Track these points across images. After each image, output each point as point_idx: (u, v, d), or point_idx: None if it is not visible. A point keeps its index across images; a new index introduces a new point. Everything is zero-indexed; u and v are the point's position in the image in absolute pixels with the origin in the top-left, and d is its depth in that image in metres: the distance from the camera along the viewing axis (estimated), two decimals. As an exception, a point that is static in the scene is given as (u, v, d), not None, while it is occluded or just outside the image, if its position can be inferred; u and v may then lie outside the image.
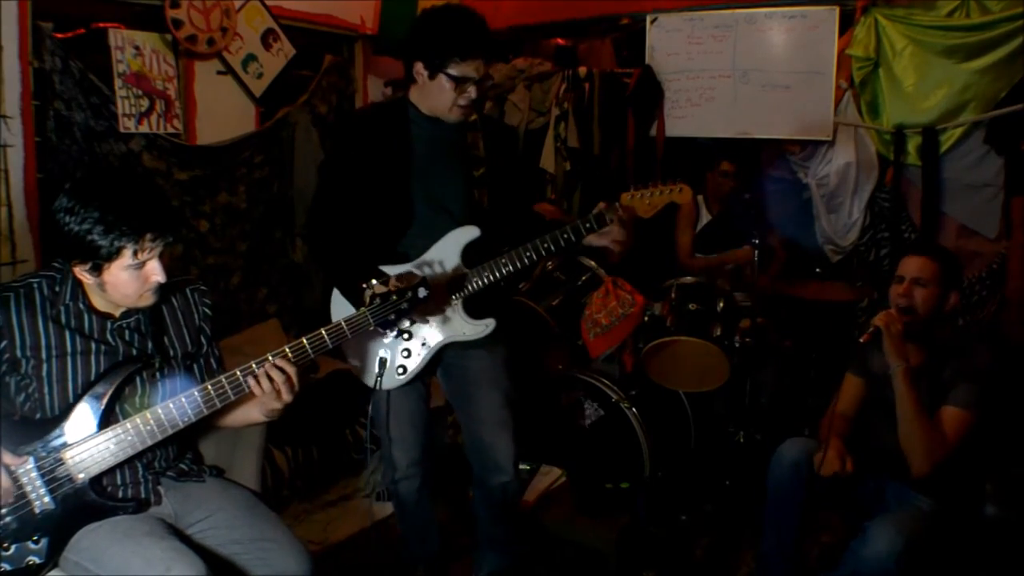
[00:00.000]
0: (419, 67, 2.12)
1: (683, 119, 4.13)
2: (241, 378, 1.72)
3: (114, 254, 1.61)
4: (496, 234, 2.23)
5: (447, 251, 2.21)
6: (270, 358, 1.72)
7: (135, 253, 1.62)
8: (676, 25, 4.07)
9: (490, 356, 2.33)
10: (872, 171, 3.79)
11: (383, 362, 2.17)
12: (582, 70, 4.32)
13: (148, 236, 1.62)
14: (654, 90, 4.12)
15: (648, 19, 4.12)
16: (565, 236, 2.17)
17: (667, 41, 4.09)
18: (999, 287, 3.62)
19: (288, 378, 1.72)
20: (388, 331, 2.02)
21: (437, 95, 2.13)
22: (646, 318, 3.35)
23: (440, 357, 2.31)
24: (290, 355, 1.74)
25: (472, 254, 2.21)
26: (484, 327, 2.24)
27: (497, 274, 2.19)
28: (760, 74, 3.93)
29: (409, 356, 2.23)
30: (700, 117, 4.08)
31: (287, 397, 1.74)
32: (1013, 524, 2.43)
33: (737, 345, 3.29)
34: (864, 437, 2.31)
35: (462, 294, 2.20)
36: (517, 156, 2.54)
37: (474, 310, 2.24)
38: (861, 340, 2.22)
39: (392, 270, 2.11)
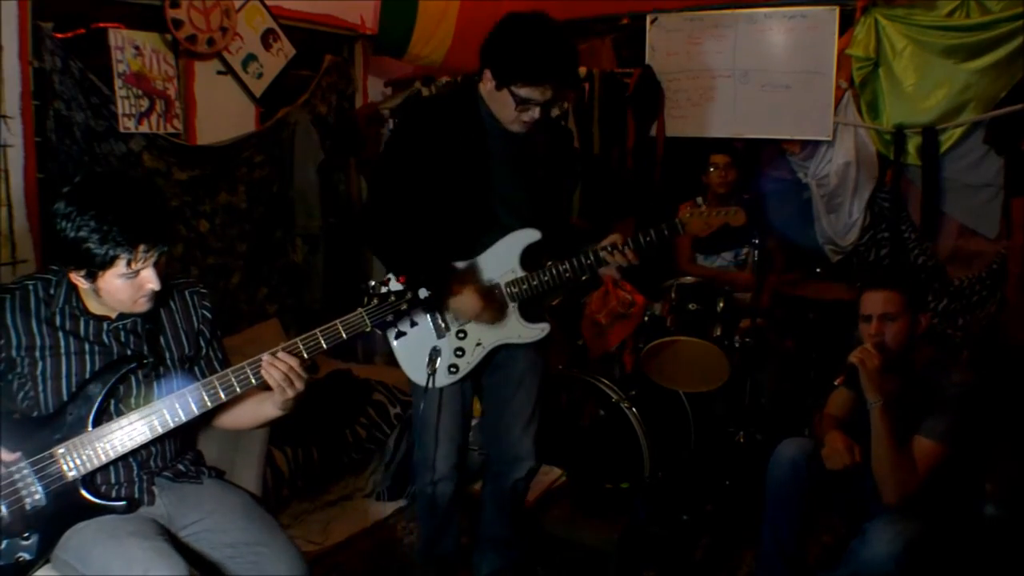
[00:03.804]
0: (488, 74, 2.06)
1: (683, 119, 4.12)
2: (250, 372, 1.72)
3: (108, 263, 1.61)
4: (555, 238, 2.22)
5: (507, 252, 2.19)
6: (266, 356, 1.71)
7: (128, 263, 1.61)
8: (676, 25, 4.07)
9: (536, 359, 2.34)
10: (872, 171, 3.79)
11: (434, 360, 2.13)
12: (582, 70, 4.32)
13: (142, 247, 1.61)
14: (654, 90, 4.12)
15: (648, 19, 4.12)
16: (648, 238, 2.17)
17: (667, 41, 4.09)
18: (999, 287, 3.62)
19: (291, 367, 1.71)
20: (386, 332, 2.00)
21: (501, 105, 2.08)
22: (646, 318, 3.35)
23: (490, 358, 2.29)
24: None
25: (531, 257, 2.20)
26: (539, 331, 2.24)
27: (556, 278, 2.17)
28: (760, 74, 3.93)
29: (463, 355, 2.22)
30: (700, 117, 4.08)
31: (299, 385, 1.73)
32: (1013, 524, 2.43)
33: (737, 345, 3.29)
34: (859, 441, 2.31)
35: (520, 296, 2.19)
36: (573, 160, 2.50)
37: (530, 313, 2.23)
38: (836, 383, 2.20)
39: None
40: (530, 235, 2.18)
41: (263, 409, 1.85)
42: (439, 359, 2.14)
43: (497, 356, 2.32)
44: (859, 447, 2.23)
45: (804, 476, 2.32)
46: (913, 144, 3.64)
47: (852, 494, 2.34)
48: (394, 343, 2.21)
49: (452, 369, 2.21)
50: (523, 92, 2.01)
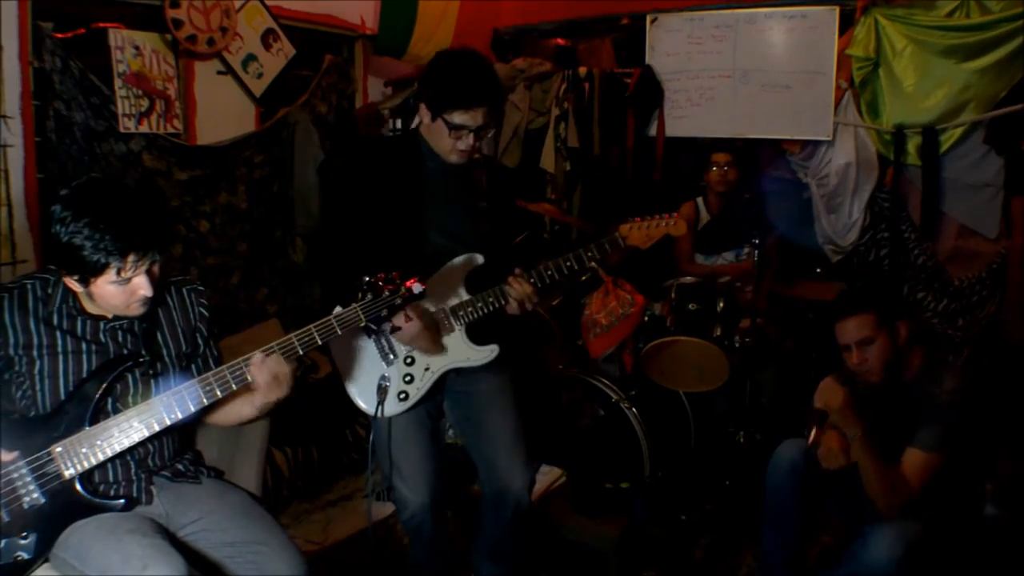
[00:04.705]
0: (423, 108, 2.17)
1: (683, 119, 4.12)
2: (245, 368, 1.73)
3: (99, 271, 1.62)
4: (498, 263, 2.26)
5: (451, 277, 2.21)
6: (257, 355, 1.73)
7: (118, 271, 1.63)
8: (676, 25, 4.07)
9: (497, 380, 2.33)
10: (872, 171, 3.79)
11: (383, 388, 2.13)
12: (582, 70, 4.32)
13: (132, 257, 1.62)
14: (654, 90, 4.12)
15: (648, 19, 4.12)
16: (568, 264, 2.25)
17: (667, 41, 4.09)
18: (999, 287, 3.62)
19: (277, 374, 1.73)
20: (379, 327, 2.00)
21: (437, 137, 2.17)
22: (646, 318, 3.35)
23: (443, 385, 2.30)
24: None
25: (475, 281, 2.23)
26: (488, 353, 2.25)
27: (500, 301, 2.22)
28: (760, 74, 3.93)
29: (412, 381, 2.21)
30: (700, 117, 4.08)
31: (285, 389, 1.76)
32: (1013, 524, 2.43)
33: (737, 345, 3.29)
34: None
35: (465, 319, 2.22)
36: (513, 197, 2.61)
37: (477, 336, 2.25)
38: (809, 443, 2.17)
39: None
40: (473, 259, 2.23)
41: (242, 409, 1.87)
42: (388, 387, 2.13)
43: (452, 388, 2.32)
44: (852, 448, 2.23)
45: (804, 477, 2.32)
46: (913, 144, 3.64)
47: (851, 495, 2.34)
48: (342, 372, 2.23)
49: (402, 396, 2.20)
50: (455, 118, 2.10)
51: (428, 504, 2.28)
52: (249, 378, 1.74)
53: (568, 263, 2.25)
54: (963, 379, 2.19)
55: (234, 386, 1.74)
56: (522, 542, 2.54)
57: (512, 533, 2.42)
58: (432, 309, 2.20)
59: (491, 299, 2.21)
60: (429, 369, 2.22)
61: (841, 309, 2.24)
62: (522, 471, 2.32)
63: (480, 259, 2.23)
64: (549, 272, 2.24)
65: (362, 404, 2.22)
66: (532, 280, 2.22)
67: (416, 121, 2.36)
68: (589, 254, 2.27)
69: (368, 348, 2.20)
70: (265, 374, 1.72)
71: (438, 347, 2.21)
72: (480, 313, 2.22)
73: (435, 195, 2.23)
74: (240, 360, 1.74)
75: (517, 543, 2.48)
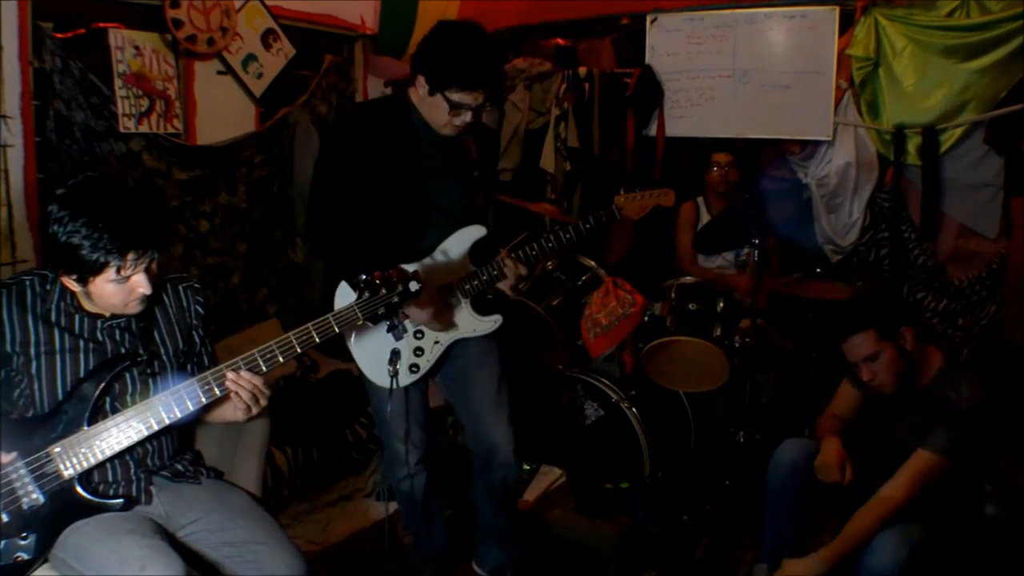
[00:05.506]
0: (421, 79, 2.13)
1: (683, 119, 4.12)
2: (243, 366, 1.73)
3: (98, 270, 1.62)
4: (497, 233, 2.30)
5: (455, 249, 2.25)
6: (230, 374, 1.72)
7: (118, 270, 1.62)
8: (676, 25, 4.06)
9: (485, 343, 2.38)
10: (872, 171, 3.79)
11: (395, 362, 2.16)
12: (582, 70, 4.32)
13: (131, 255, 1.62)
14: (654, 90, 4.12)
15: (648, 19, 4.11)
16: (568, 235, 2.29)
17: (667, 41, 4.09)
18: (999, 287, 3.61)
19: (255, 386, 1.74)
20: (378, 325, 2.02)
21: (433, 110, 2.15)
22: (646, 318, 3.35)
23: (446, 352, 2.34)
24: (262, 365, 1.73)
25: (478, 252, 2.26)
26: (493, 323, 2.32)
27: (502, 274, 2.25)
28: (760, 74, 3.93)
29: (422, 354, 2.27)
30: (700, 117, 4.08)
31: (263, 402, 1.77)
32: (1013, 524, 2.43)
33: (737, 345, 3.29)
34: (859, 445, 2.31)
35: (471, 292, 2.25)
36: (495, 158, 2.63)
37: (481, 306, 2.30)
38: None
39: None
40: (477, 231, 2.26)
41: (226, 411, 1.87)
42: (399, 360, 2.17)
43: (450, 350, 2.36)
44: (851, 463, 2.23)
45: (804, 477, 2.32)
46: (913, 144, 3.63)
47: (852, 495, 2.34)
48: (353, 348, 2.26)
49: (413, 368, 2.27)
50: (456, 97, 2.08)
51: (421, 457, 2.39)
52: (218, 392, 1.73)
53: (549, 243, 2.27)
54: (982, 386, 2.17)
55: (218, 392, 1.73)
56: (518, 526, 2.56)
57: (504, 502, 2.46)
58: (439, 283, 2.22)
59: (494, 271, 2.24)
60: (439, 342, 2.28)
61: (841, 329, 2.24)
62: (506, 427, 2.37)
63: (483, 231, 2.25)
64: (533, 251, 2.27)
65: (374, 378, 2.26)
66: (516, 256, 2.25)
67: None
68: (588, 225, 2.30)
69: (378, 324, 2.19)
70: (244, 394, 1.72)
71: (447, 323, 2.25)
72: (485, 286, 2.26)
73: (429, 166, 2.22)
74: (240, 358, 1.73)
75: (512, 519, 2.52)
